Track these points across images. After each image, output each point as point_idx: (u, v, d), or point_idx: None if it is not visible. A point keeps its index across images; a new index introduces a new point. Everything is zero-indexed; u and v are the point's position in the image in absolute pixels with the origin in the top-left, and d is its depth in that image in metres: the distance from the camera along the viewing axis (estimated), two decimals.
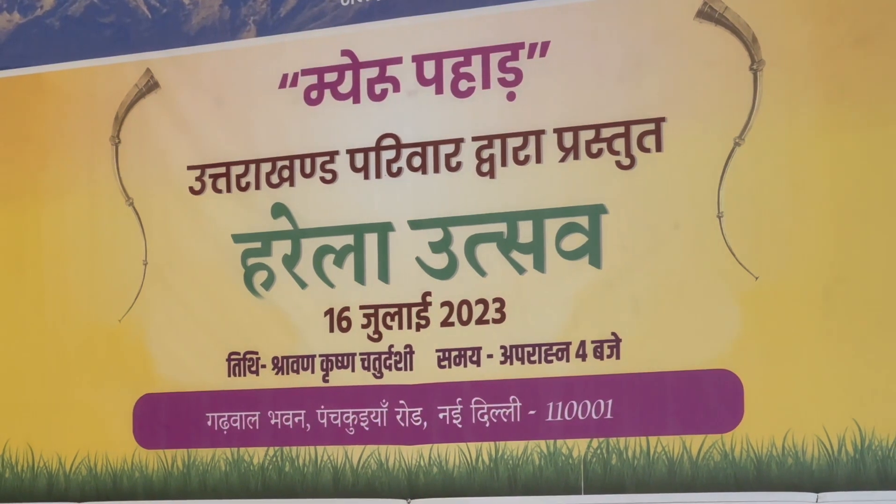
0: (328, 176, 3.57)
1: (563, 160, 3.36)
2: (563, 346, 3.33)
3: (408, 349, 3.47)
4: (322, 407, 3.53)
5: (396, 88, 3.52)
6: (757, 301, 3.16)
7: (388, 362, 3.49)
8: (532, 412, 3.34)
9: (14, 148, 3.90)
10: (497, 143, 3.42)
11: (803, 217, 3.15)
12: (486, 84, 3.44)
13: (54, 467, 3.77)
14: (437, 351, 3.44)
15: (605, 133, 3.32)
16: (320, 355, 3.55)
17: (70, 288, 3.81)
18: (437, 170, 3.48)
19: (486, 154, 3.43)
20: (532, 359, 3.36)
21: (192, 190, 3.69)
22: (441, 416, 3.42)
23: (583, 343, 3.31)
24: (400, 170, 3.51)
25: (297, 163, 3.60)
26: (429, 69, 3.50)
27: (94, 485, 3.72)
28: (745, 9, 3.21)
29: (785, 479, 3.12)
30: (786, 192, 3.16)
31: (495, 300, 3.40)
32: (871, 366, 3.07)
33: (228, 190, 3.67)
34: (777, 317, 3.14)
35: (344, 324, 3.52)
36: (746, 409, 3.15)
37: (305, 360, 3.56)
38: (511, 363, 3.37)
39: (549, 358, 3.34)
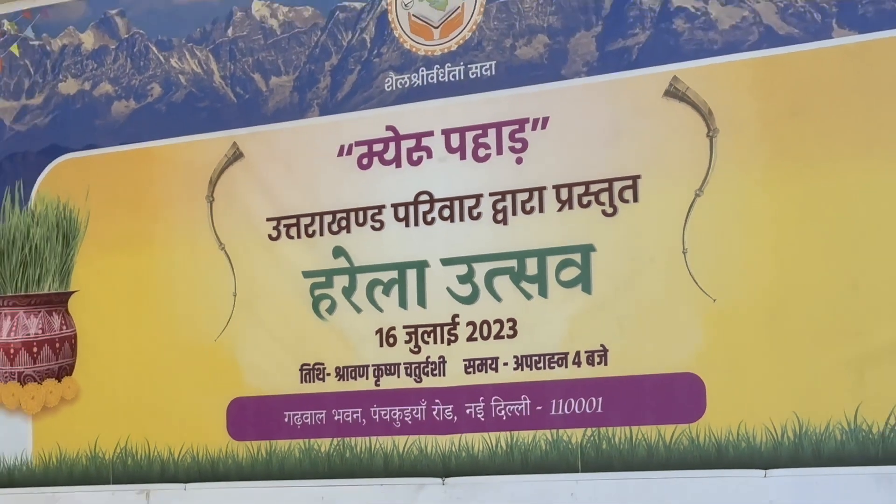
0: (377, 225, 3.57)
1: (560, 210, 3.36)
2: (563, 356, 3.33)
3: (441, 359, 3.47)
4: (374, 406, 3.52)
5: (430, 156, 3.53)
6: (715, 319, 3.17)
7: (425, 370, 3.48)
8: (539, 408, 3.34)
9: (132, 206, 3.88)
10: (509, 197, 3.42)
11: (751, 252, 3.16)
12: (499, 151, 3.44)
13: (165, 456, 3.75)
14: (464, 360, 3.44)
15: (593, 188, 3.33)
16: (372, 365, 3.54)
17: (176, 315, 3.80)
18: (462, 219, 3.47)
19: (500, 206, 3.43)
20: (538, 366, 3.35)
21: (270, 237, 3.68)
22: (468, 411, 3.42)
23: (578, 353, 3.31)
24: (433, 219, 3.51)
25: (353, 215, 3.59)
26: (455, 140, 3.50)
27: (197, 469, 3.71)
28: (703, 88, 3.22)
29: (740, 459, 3.12)
30: (737, 232, 3.17)
31: (509, 320, 3.39)
32: (807, 370, 3.07)
33: (298, 236, 3.65)
34: (732, 331, 3.15)
35: (391, 340, 3.52)
36: (708, 404, 3.16)
37: (361, 369, 3.55)
38: (522, 369, 3.36)
39: (552, 365, 3.34)
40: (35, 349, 3.91)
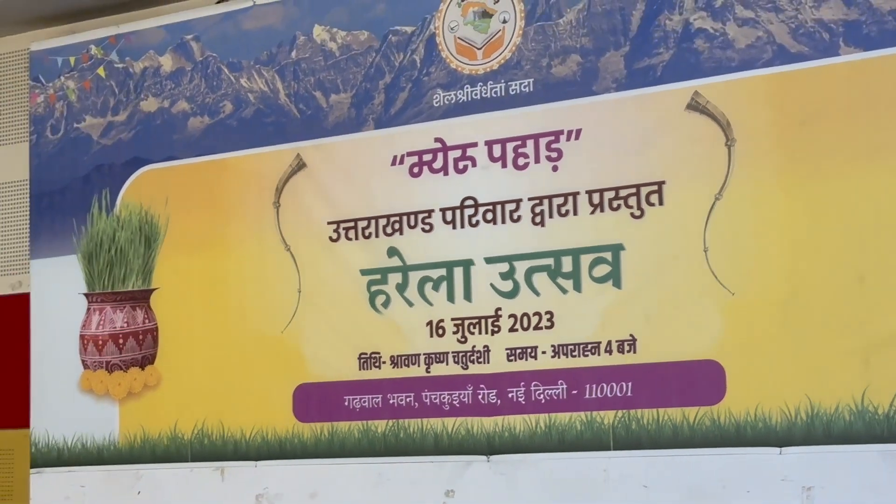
0: (427, 227, 3.65)
1: (592, 213, 3.44)
2: (596, 344, 3.40)
3: (485, 348, 3.54)
4: (426, 391, 3.60)
5: (474, 164, 3.60)
6: (734, 310, 3.23)
7: (471, 358, 3.56)
8: (574, 392, 3.41)
9: (207, 212, 3.98)
10: (546, 201, 3.50)
11: (766, 250, 3.22)
12: (537, 160, 3.51)
13: (238, 436, 3.85)
14: (506, 349, 3.51)
15: (623, 193, 3.40)
16: (423, 354, 3.62)
17: (247, 309, 3.89)
18: (503, 221, 3.54)
19: (538, 210, 3.51)
20: (573, 354, 3.42)
21: (330, 238, 3.77)
22: (510, 395, 3.49)
23: (609, 342, 3.38)
24: (478, 222, 3.58)
25: (405, 218, 3.68)
26: (497, 150, 3.57)
27: (266, 448, 3.80)
28: (721, 101, 3.28)
29: (757, 437, 3.18)
30: (753, 232, 3.24)
31: (546, 313, 3.47)
32: (818, 356, 3.14)
33: (356, 238, 3.74)
34: (749, 322, 3.22)
35: (440, 331, 3.60)
36: (728, 388, 3.22)
37: (413, 357, 3.64)
38: (559, 357, 3.44)
39: (586, 353, 3.41)
40: (121, 341, 4.03)
